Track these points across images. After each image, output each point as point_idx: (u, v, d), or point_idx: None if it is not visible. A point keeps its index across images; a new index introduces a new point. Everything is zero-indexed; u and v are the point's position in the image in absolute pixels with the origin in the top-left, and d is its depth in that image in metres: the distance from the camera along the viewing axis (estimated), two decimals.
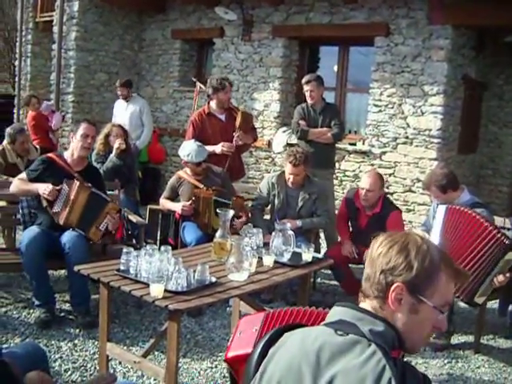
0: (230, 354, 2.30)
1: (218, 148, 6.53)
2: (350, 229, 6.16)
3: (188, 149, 5.88)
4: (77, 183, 5.12)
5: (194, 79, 10.26)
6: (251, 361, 1.96)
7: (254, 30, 10.14)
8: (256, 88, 10.06)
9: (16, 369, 2.32)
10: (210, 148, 6.45)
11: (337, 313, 1.82)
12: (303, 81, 7.13)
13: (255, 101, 10.03)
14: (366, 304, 1.83)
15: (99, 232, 5.19)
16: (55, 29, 11.72)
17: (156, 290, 3.40)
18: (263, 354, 1.90)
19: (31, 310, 5.43)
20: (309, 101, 7.09)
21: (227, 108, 6.84)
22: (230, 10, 10.17)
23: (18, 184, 5.34)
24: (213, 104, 6.78)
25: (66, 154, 5.49)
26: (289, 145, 9.04)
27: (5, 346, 4.33)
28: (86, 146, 5.40)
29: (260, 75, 10.04)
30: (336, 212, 6.51)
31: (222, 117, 6.78)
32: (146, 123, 9.38)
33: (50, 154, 5.56)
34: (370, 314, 1.78)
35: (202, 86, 9.21)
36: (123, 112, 9.39)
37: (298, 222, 5.88)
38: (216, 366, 4.61)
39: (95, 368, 4.41)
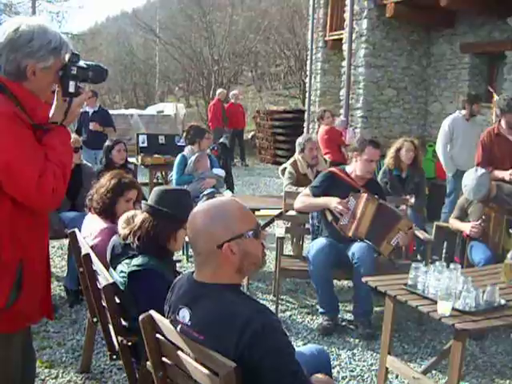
0: None
1: (507, 175, 6.18)
2: None
3: (465, 183, 5.65)
4: (364, 195, 5.23)
5: (491, 89, 9.86)
6: None
7: None
8: None
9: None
10: (500, 174, 6.21)
11: None
12: None
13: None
14: None
15: (390, 247, 5.23)
16: (345, 46, 12.08)
17: (443, 308, 3.36)
18: None
19: (314, 317, 5.66)
20: None
21: None
22: None
23: (303, 200, 5.57)
24: (502, 124, 6.49)
25: (349, 169, 5.61)
26: None
27: None
28: (369, 170, 5.50)
29: None
30: None
31: None
32: None
33: (333, 169, 5.73)
34: None
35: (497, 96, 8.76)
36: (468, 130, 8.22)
37: None
38: None
39: (372, 379, 4.48)
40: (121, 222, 3.57)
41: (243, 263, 2.30)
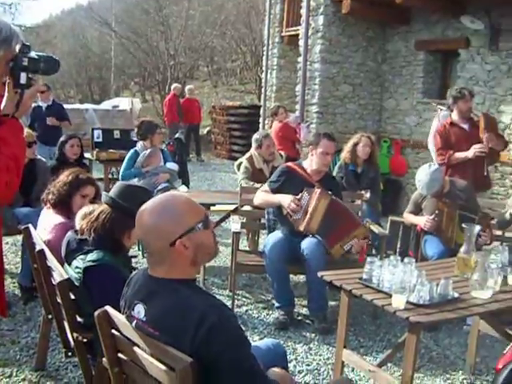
0: (501, 367, 2.26)
1: (470, 153, 6.44)
2: None
3: (419, 178, 5.71)
4: (317, 191, 5.24)
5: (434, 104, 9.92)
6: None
7: (501, 39, 9.68)
8: (503, 100, 9.61)
9: None
10: (462, 154, 6.46)
11: None
12: None
13: (502, 113, 9.57)
14: None
15: (342, 251, 5.27)
16: (301, 42, 12.10)
17: (398, 301, 3.38)
18: (510, 378, 1.83)
19: (270, 311, 5.69)
20: None
21: (470, 118, 6.73)
22: (476, 19, 9.82)
23: (261, 196, 5.58)
24: (454, 114, 6.73)
25: (305, 164, 5.64)
26: None
27: None
28: (325, 163, 5.54)
29: (508, 86, 9.56)
30: None
31: (466, 126, 6.66)
32: None
33: (289, 164, 5.75)
34: None
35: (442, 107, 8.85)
36: None
37: None
38: None
39: (328, 373, 4.51)
40: (78, 216, 3.54)
41: (197, 255, 2.30)
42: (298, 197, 5.27)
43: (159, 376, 2.19)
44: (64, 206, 4.28)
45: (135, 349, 2.30)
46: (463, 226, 4.26)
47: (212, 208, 6.73)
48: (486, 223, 5.47)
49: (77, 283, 3.24)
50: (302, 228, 5.25)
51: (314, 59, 11.74)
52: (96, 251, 3.23)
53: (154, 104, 25.43)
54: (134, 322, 2.32)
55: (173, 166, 7.68)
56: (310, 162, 5.54)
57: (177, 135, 12.09)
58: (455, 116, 6.72)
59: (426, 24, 11.11)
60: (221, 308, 2.22)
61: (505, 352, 3.03)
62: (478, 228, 4.24)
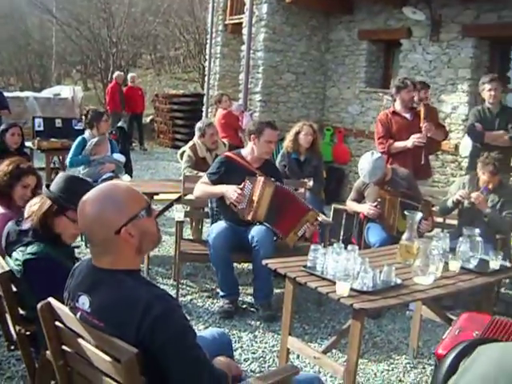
0: (441, 352, 2.28)
1: (409, 142, 6.52)
2: None
3: (361, 166, 5.79)
4: (261, 179, 5.24)
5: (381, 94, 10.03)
6: (440, 372, 1.92)
7: (442, 30, 9.83)
8: (444, 90, 9.77)
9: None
10: (401, 144, 6.55)
11: None
12: (485, 80, 6.87)
13: (442, 103, 9.74)
14: None
15: (296, 237, 5.31)
16: (244, 30, 12.07)
17: (342, 289, 3.41)
18: (454, 365, 1.85)
19: (215, 300, 5.68)
20: (490, 101, 6.83)
21: (412, 107, 6.81)
22: (418, 10, 9.95)
23: (201, 188, 5.53)
24: (397, 104, 6.80)
25: (244, 152, 5.63)
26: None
27: None
28: (268, 151, 5.54)
29: (448, 77, 9.73)
30: None
31: (407, 115, 6.74)
32: None
33: (228, 153, 5.72)
34: None
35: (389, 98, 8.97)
36: None
37: (488, 209, 5.68)
38: (392, 369, 4.57)
39: (274, 360, 4.55)
40: (27, 209, 3.47)
41: (142, 243, 2.29)
42: (241, 186, 5.26)
43: (105, 368, 2.16)
44: (4, 196, 4.18)
45: (80, 341, 2.27)
46: (405, 213, 4.31)
47: (155, 197, 6.67)
48: (427, 211, 5.56)
49: (18, 275, 3.17)
50: (249, 217, 5.24)
51: (258, 48, 11.73)
52: (36, 243, 3.16)
53: (97, 92, 25.02)
54: (79, 313, 2.28)
55: (120, 157, 7.59)
56: (251, 150, 5.52)
57: (119, 124, 11.95)
58: (398, 105, 6.79)
59: (369, 14, 11.21)
60: (165, 298, 2.20)
61: (444, 337, 3.07)
62: (419, 215, 4.30)
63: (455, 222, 6.13)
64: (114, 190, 2.29)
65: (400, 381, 4.40)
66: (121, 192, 2.29)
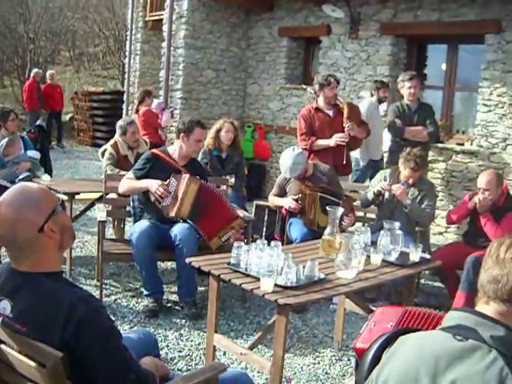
0: (359, 345, 2.32)
1: (331, 141, 6.61)
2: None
3: (283, 161, 5.85)
4: (186, 176, 5.24)
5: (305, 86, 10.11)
6: (364, 364, 1.96)
7: (361, 28, 10.01)
8: (363, 86, 9.95)
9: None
10: (323, 142, 6.64)
11: (454, 317, 1.74)
12: (405, 77, 7.10)
13: (362, 99, 9.92)
14: (489, 307, 1.71)
15: (220, 242, 5.32)
16: (165, 27, 11.97)
17: (266, 285, 3.43)
18: (377, 356, 1.89)
19: (139, 299, 5.63)
20: (410, 98, 7.08)
21: (335, 104, 6.90)
22: (337, 8, 10.09)
23: (126, 184, 5.49)
24: (320, 100, 6.87)
25: (171, 149, 5.62)
26: None
27: None
28: (197, 150, 5.67)
29: (367, 73, 9.91)
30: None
31: (330, 112, 6.83)
32: None
33: (154, 151, 5.69)
34: (491, 319, 1.67)
35: (312, 91, 9.08)
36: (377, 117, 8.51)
37: (408, 201, 5.80)
38: (318, 363, 4.63)
39: (200, 358, 4.53)
40: None
41: (63, 238, 2.29)
42: (166, 182, 5.24)
43: (29, 373, 2.12)
44: None
45: (2, 346, 2.22)
46: (327, 208, 4.37)
47: (76, 197, 6.55)
48: (349, 206, 5.66)
49: None
50: (173, 214, 5.22)
51: (178, 45, 11.66)
52: None
53: (14, 90, 24.31)
54: (0, 318, 2.23)
55: (34, 154, 7.40)
56: (178, 148, 5.51)
57: (38, 122, 11.69)
58: (321, 102, 6.87)
59: (289, 11, 11.29)
60: (88, 300, 2.19)
61: (361, 331, 3.11)
62: (341, 210, 4.37)
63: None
64: (28, 190, 2.27)
65: (326, 373, 4.46)
66: (35, 191, 2.27)
